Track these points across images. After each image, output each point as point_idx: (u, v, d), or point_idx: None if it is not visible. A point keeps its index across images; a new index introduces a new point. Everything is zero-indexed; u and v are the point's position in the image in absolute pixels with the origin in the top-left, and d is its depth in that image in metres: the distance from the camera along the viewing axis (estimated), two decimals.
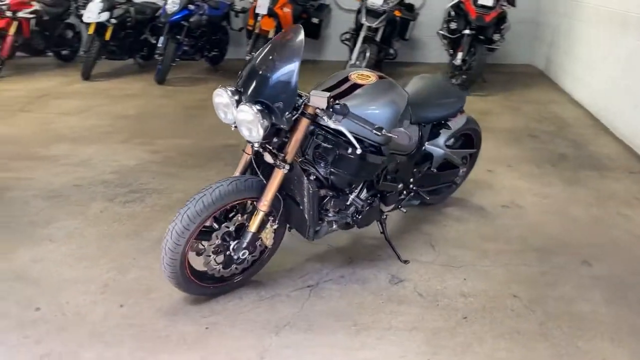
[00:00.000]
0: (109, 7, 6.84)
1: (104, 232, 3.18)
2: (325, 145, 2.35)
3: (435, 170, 3.10)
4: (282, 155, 2.28)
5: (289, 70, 2.15)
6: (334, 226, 2.59)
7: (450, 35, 6.33)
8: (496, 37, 6.19)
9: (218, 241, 2.37)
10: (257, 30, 6.42)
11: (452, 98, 2.99)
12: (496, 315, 2.47)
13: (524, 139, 4.76)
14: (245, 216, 2.44)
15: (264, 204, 2.33)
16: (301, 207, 2.44)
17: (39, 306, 2.50)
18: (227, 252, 2.42)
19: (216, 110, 2.30)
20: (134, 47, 7.41)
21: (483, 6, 5.95)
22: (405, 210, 3.03)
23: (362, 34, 6.19)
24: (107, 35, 6.89)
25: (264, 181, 2.36)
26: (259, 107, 2.13)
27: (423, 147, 2.94)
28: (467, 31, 6.04)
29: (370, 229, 2.96)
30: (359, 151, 2.23)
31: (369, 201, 2.65)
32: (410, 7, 6.88)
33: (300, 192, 2.40)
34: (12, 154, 4.38)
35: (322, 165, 2.36)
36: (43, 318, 2.42)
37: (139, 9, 7.23)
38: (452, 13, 6.31)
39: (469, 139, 3.40)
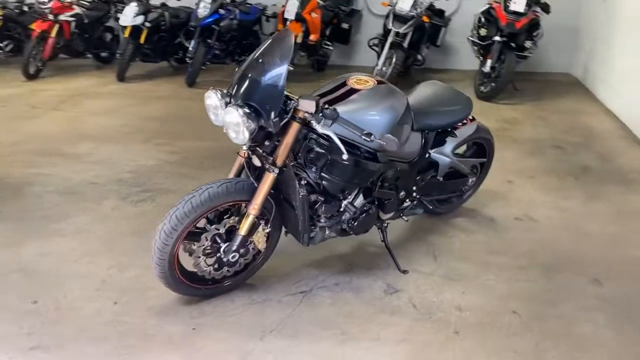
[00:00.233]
0: (144, 11, 7.03)
1: (111, 230, 3.25)
2: (317, 149, 2.32)
3: (441, 179, 3.01)
4: (272, 158, 2.27)
5: (277, 73, 2.14)
6: (327, 232, 2.56)
7: (480, 42, 6.19)
8: (528, 44, 6.00)
9: (208, 243, 2.38)
10: None
11: (458, 105, 2.90)
12: (491, 332, 2.38)
13: (548, 149, 4.59)
14: (237, 219, 2.43)
15: (254, 207, 2.33)
16: (296, 212, 2.42)
17: (37, 299, 2.57)
18: (218, 255, 2.42)
19: (207, 112, 2.31)
20: (167, 50, 7.58)
21: (514, 12, 5.79)
22: (406, 219, 2.96)
23: (390, 39, 6.12)
24: (142, 39, 7.07)
25: (256, 184, 2.36)
26: (246, 110, 2.12)
27: (427, 155, 2.86)
28: (497, 38, 5.88)
29: (374, 237, 2.91)
30: (345, 156, 2.20)
31: (365, 208, 2.61)
32: (440, 13, 6.76)
33: (294, 196, 2.38)
34: (39, 151, 4.55)
35: (312, 170, 2.33)
36: (38, 311, 2.49)
37: (173, 13, 7.38)
38: (483, 19, 6.16)
39: (481, 148, 3.30)
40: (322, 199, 2.42)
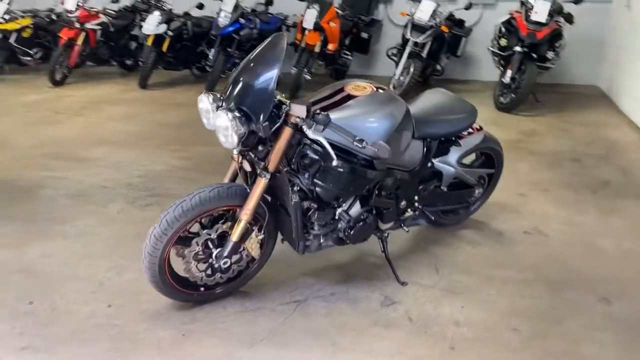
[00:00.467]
0: (167, 19, 7.16)
1: (115, 233, 3.26)
2: (311, 155, 2.29)
3: (445, 189, 2.94)
4: (264, 163, 2.25)
5: (267, 77, 2.12)
6: (323, 240, 2.50)
7: (500, 52, 6.07)
8: (550, 55, 5.86)
9: (199, 248, 2.35)
10: (302, 45, 6.46)
11: (462, 114, 2.83)
12: (488, 348, 2.29)
13: (567, 162, 4.45)
14: (230, 224, 2.40)
15: (245, 213, 2.30)
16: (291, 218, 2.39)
17: (34, 300, 2.59)
18: (210, 260, 2.40)
19: (200, 116, 2.30)
20: (190, 58, 7.70)
21: (536, 22, 5.67)
22: (407, 230, 2.88)
23: (408, 49, 6.08)
24: (164, 47, 7.20)
25: (249, 189, 2.33)
26: (236, 114, 2.11)
27: (429, 164, 2.80)
28: (518, 48, 5.77)
29: (374, 247, 2.85)
30: (334, 162, 2.15)
31: (362, 217, 2.55)
32: (460, 23, 6.69)
33: (289, 202, 2.35)
34: (55, 154, 4.64)
35: (305, 176, 2.29)
36: (33, 312, 2.50)
37: (196, 22, 7.50)
38: (503, 29, 6.05)
39: (489, 159, 3.21)
40: (315, 206, 2.37)
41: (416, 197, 2.82)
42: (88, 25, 7.45)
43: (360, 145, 2.13)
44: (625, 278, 2.80)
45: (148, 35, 7.15)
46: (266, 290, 2.66)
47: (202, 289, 2.48)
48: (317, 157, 2.28)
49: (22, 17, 7.73)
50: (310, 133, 2.12)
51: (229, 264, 2.40)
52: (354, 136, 2.14)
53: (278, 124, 2.19)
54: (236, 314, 2.49)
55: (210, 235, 2.36)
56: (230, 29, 6.75)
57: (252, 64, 2.21)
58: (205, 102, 2.22)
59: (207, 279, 2.45)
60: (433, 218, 2.96)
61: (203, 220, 2.45)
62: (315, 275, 2.80)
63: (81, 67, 8.23)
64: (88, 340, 2.32)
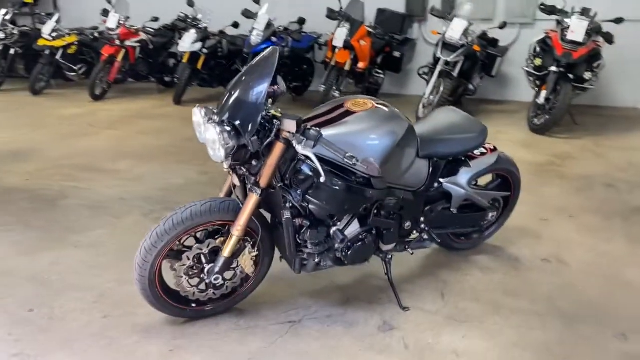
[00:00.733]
0: (203, 37, 7.32)
1: (125, 244, 3.29)
2: (305, 172, 2.23)
3: (454, 211, 2.81)
4: (255, 179, 2.21)
5: (256, 91, 2.09)
6: (318, 259, 2.42)
7: (535, 72, 5.87)
8: (588, 75, 5.62)
9: (190, 262, 2.33)
10: (332, 63, 6.45)
11: (470, 133, 2.70)
12: None
13: (599, 187, 4.21)
14: (223, 239, 2.37)
15: (237, 229, 2.26)
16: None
17: (34, 307, 2.63)
18: (202, 276, 2.36)
19: (194, 129, 2.30)
20: (224, 76, 7.81)
21: (572, 42, 5.45)
22: (412, 252, 2.77)
23: (438, 68, 5.96)
24: (199, 64, 7.35)
25: (242, 205, 2.30)
26: (225, 128, 2.08)
27: (437, 184, 2.69)
28: (553, 68, 5.56)
29: (380, 269, 2.75)
30: (322, 179, 2.09)
31: (361, 237, 2.46)
32: (494, 42, 6.52)
33: (282, 219, 2.30)
34: (82, 166, 4.76)
35: (298, 192, 2.23)
36: (31, 319, 2.53)
37: (231, 40, 7.63)
38: (538, 49, 5.86)
39: (506, 181, 3.07)
40: (308, 223, 2.31)
41: (422, 219, 2.71)
42: (128, 43, 7.71)
43: (351, 162, 2.06)
44: None
45: (184, 53, 7.33)
46: (262, 309, 2.60)
47: (194, 304, 2.44)
48: (310, 174, 2.22)
49: (68, 34, 8.09)
50: (299, 148, 2.07)
51: (220, 279, 2.36)
52: (345, 152, 2.08)
53: (270, 139, 2.15)
54: (227, 331, 2.44)
55: (201, 250, 2.33)
56: (262, 46, 6.81)
57: (243, 78, 2.19)
58: (197, 115, 2.21)
59: (200, 294, 2.42)
60: (439, 240, 2.84)
61: (199, 235, 2.43)
62: (314, 296, 2.72)
63: (123, 84, 8.52)
64: (78, 350, 2.32)
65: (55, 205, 3.90)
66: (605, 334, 2.43)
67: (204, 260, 2.36)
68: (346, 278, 2.86)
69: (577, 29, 5.45)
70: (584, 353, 2.31)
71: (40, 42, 7.86)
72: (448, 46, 5.91)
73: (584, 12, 5.56)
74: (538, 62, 5.79)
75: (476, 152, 2.85)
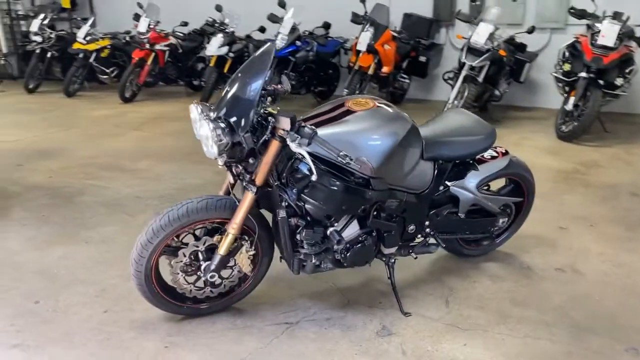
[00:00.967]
0: (229, 42, 7.41)
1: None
2: (302, 170, 2.20)
3: (462, 216, 2.73)
4: (250, 176, 2.19)
5: (250, 88, 2.08)
6: (316, 260, 2.38)
7: (564, 78, 5.70)
8: (619, 81, 5.41)
9: (186, 259, 2.32)
10: (356, 67, 6.42)
11: (478, 136, 2.62)
12: None
13: (624, 196, 4.03)
14: (220, 237, 2.35)
15: (232, 227, 2.25)
16: None
17: (39, 299, 2.67)
18: (198, 273, 2.36)
19: (193, 126, 2.30)
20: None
21: (603, 47, 5.27)
22: (416, 257, 2.70)
23: (463, 73, 5.85)
24: (226, 68, 7.44)
25: (238, 203, 2.28)
26: (219, 124, 2.08)
27: (442, 187, 2.62)
28: (583, 74, 5.38)
29: (385, 273, 2.69)
30: (314, 178, 2.05)
31: (360, 238, 2.41)
32: (522, 47, 6.36)
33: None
34: (104, 165, 4.86)
35: (293, 191, 2.21)
36: (35, 311, 2.58)
37: (257, 44, 7.67)
38: (567, 54, 5.68)
39: (518, 187, 2.97)
40: (304, 223, 2.27)
41: (427, 223, 2.64)
42: (157, 47, 7.88)
43: (345, 161, 2.02)
44: None
45: (211, 57, 7.43)
46: (261, 309, 2.58)
47: (190, 302, 2.44)
48: (307, 173, 2.19)
49: (102, 38, 8.32)
50: (293, 146, 2.04)
51: (216, 278, 2.34)
52: (339, 151, 2.05)
53: (266, 137, 2.14)
54: (224, 330, 2.43)
55: (197, 247, 2.32)
56: (286, 50, 6.85)
57: (240, 75, 2.19)
58: (194, 112, 2.21)
59: (197, 292, 2.41)
60: (446, 246, 2.75)
61: (197, 232, 2.43)
62: (314, 298, 2.68)
63: (153, 87, 8.71)
64: (76, 344, 2.34)
65: (72, 201, 3.99)
66: (616, 347, 2.31)
67: (200, 257, 2.35)
68: (348, 281, 2.82)
69: (608, 33, 5.27)
70: None
71: (75, 46, 8.11)
72: (473, 51, 5.80)
73: (616, 15, 5.37)
74: (567, 67, 5.63)
75: (486, 155, 2.77)
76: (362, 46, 6.32)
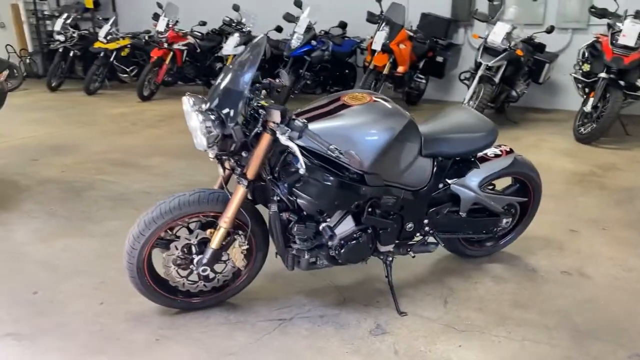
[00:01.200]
0: (245, 41, 7.44)
1: None
2: (294, 164, 2.17)
3: (463, 215, 2.66)
4: (241, 170, 2.17)
5: (241, 80, 2.07)
6: (309, 256, 2.34)
7: (584, 79, 5.55)
8: None
9: (178, 252, 2.31)
10: (371, 66, 6.36)
11: (478, 133, 2.55)
12: None
13: (639, 200, 3.91)
14: (213, 231, 2.34)
15: (224, 220, 2.23)
16: None
17: (38, 290, 2.70)
18: (191, 266, 2.35)
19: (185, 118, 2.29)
20: (267, 78, 7.88)
21: (624, 46, 5.11)
22: (414, 256, 2.64)
23: (479, 73, 5.75)
24: None
25: (230, 196, 2.26)
26: (209, 116, 2.06)
27: (442, 185, 2.56)
28: (603, 74, 5.23)
29: (383, 272, 2.64)
30: (302, 171, 2.02)
31: (355, 235, 2.37)
32: (541, 47, 6.22)
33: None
34: (117, 161, 4.92)
35: (285, 185, 2.18)
36: (33, 301, 2.60)
37: (273, 44, 7.70)
38: (587, 54, 5.54)
39: (524, 186, 2.89)
40: (295, 217, 2.24)
41: (426, 221, 2.58)
42: (176, 46, 7.94)
43: (334, 154, 1.99)
44: None
45: (227, 56, 7.46)
46: (255, 304, 2.56)
47: (183, 295, 2.43)
48: (299, 167, 2.15)
49: (122, 38, 8.44)
50: (282, 139, 2.02)
51: (209, 272, 2.33)
52: (329, 144, 2.01)
53: (257, 130, 2.12)
54: (216, 325, 2.41)
55: (189, 240, 2.31)
56: (302, 50, 6.84)
57: (231, 66, 2.17)
58: (186, 104, 2.20)
59: (190, 285, 2.40)
60: (446, 245, 2.69)
61: (192, 226, 2.42)
62: (310, 295, 2.65)
63: (172, 86, 8.80)
64: (70, 334, 2.35)
65: (81, 196, 4.03)
66: (618, 353, 2.22)
67: (193, 251, 2.34)
68: (346, 279, 2.77)
69: (629, 33, 5.11)
70: None
71: (96, 45, 8.26)
72: (489, 50, 5.70)
73: (638, 14, 5.20)
74: (586, 67, 5.48)
75: (490, 153, 2.70)
76: (377, 45, 6.26)
